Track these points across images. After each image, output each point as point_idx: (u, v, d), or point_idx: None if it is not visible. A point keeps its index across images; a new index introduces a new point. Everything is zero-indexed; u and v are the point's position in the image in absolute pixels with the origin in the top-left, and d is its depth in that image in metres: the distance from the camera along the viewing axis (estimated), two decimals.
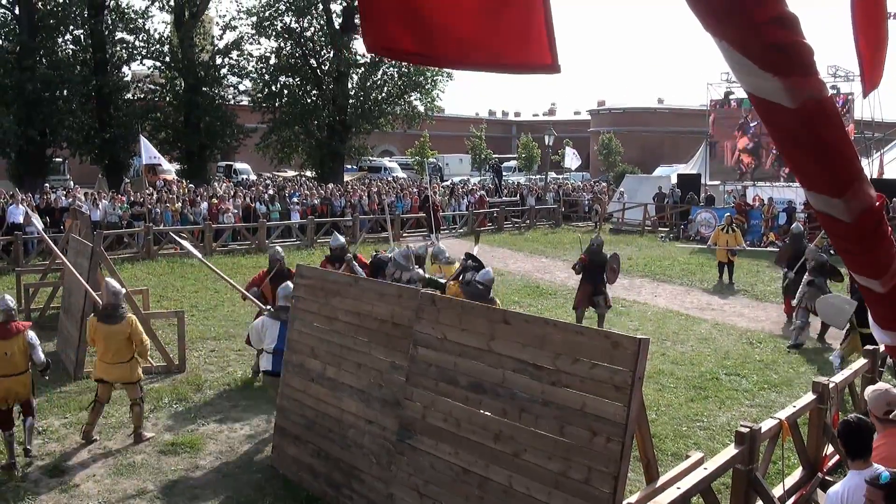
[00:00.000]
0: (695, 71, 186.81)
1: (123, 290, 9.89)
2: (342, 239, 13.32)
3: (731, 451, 6.04)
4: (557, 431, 5.62)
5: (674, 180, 35.77)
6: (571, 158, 42.99)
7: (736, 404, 10.70)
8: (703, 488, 5.71)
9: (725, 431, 9.44)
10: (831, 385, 7.32)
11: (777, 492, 6.64)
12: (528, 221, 34.35)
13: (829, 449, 7.64)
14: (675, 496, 5.33)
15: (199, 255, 12.92)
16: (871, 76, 3.99)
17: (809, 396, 7.31)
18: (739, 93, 30.22)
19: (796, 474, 7.42)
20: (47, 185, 29.29)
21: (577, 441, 5.49)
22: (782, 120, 2.93)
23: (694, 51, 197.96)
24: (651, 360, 11.31)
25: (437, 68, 39.28)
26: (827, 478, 7.16)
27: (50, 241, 15.01)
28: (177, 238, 17.29)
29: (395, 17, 2.94)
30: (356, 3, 42.41)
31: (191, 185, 31.59)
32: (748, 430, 6.01)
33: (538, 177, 48.63)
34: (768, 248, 25.83)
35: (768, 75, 2.79)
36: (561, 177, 48.87)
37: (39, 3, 36.69)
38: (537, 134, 59.63)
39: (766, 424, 6.56)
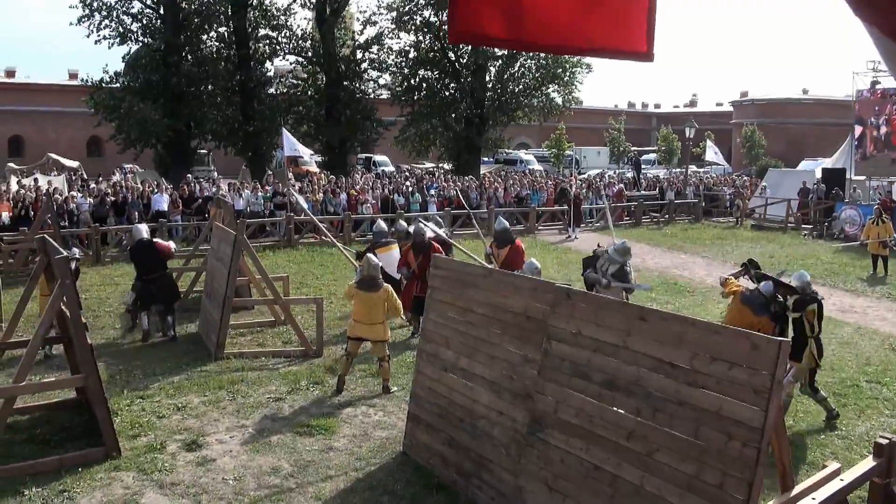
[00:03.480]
0: (840, 60, 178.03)
1: (380, 264, 11.22)
2: (506, 223, 14.85)
3: (868, 462, 5.81)
4: (692, 433, 5.53)
5: (818, 175, 34.30)
6: (714, 154, 41.76)
7: (876, 413, 10.23)
8: (838, 500, 5.52)
9: (864, 442, 9.05)
10: None
11: None
12: (667, 216, 33.66)
13: None
14: None
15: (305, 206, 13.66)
16: None
17: None
18: (886, 82, 28.71)
19: None
20: (189, 175, 30.65)
21: (711, 444, 5.39)
22: None
23: (839, 39, 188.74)
24: None
25: (574, 58, 38.97)
26: None
27: (317, 222, 15.91)
28: (297, 196, 17.72)
29: (484, 2, 2.94)
30: None
31: (331, 177, 32.44)
32: (888, 441, 5.76)
33: (678, 170, 47.51)
34: None
35: None
36: (702, 170, 47.52)
37: (184, 3, 38.48)
38: (678, 126, 58.24)
39: None
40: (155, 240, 14.28)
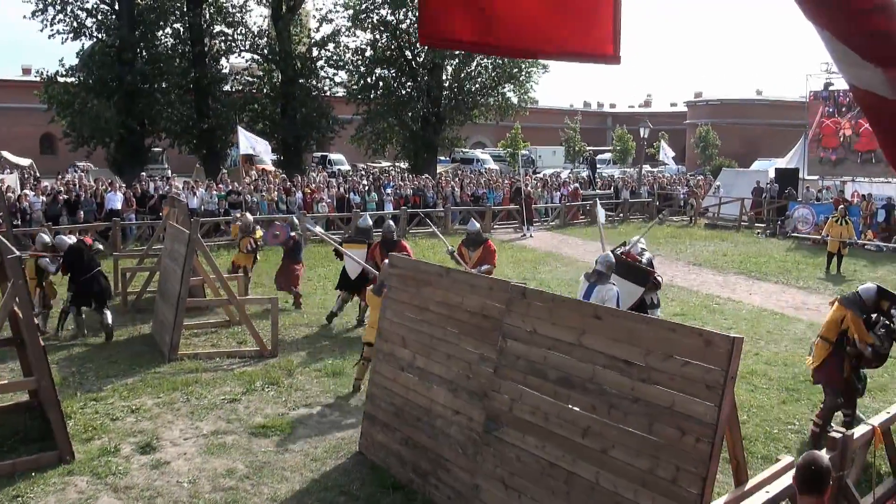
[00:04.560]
0: (794, 61, 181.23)
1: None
2: (477, 224, 14.44)
3: (822, 456, 5.88)
4: (646, 429, 5.57)
5: (772, 174, 34.84)
6: (666, 153, 42.30)
7: None
8: (792, 493, 5.58)
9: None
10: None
11: (867, 500, 6.44)
12: (621, 215, 33.95)
13: None
14: (764, 500, 5.21)
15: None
16: None
17: None
18: (839, 83, 29.23)
19: (887, 483, 7.16)
20: (142, 173, 30.23)
21: (665, 440, 5.43)
22: (884, 111, 2.85)
23: (793, 41, 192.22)
24: (744, 359, 11.04)
25: (527, 59, 39.15)
26: None
27: (328, 237, 16.31)
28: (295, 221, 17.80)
29: (454, 5, 2.94)
30: None
31: (282, 175, 32.25)
32: (840, 435, 5.84)
33: (633, 169, 47.97)
34: (866, 247, 25.10)
35: (870, 65, 2.71)
36: (656, 170, 48.07)
37: None
38: (633, 126, 58.83)
39: (859, 430, 6.35)
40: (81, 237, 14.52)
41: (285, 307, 15.02)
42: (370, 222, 14.64)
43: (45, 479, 7.83)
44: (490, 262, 13.22)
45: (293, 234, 15.96)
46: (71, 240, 13.88)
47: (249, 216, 17.64)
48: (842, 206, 23.00)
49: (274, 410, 9.90)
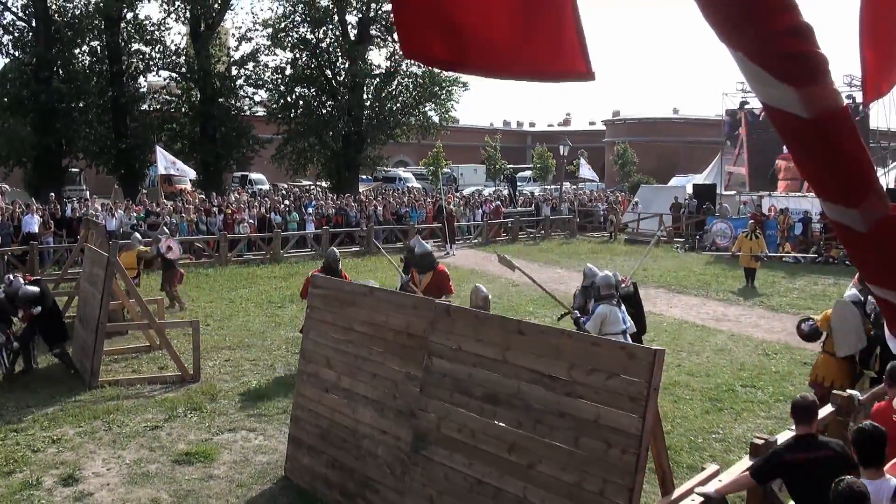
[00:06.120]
0: (710, 80, 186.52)
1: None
2: (425, 245, 13.31)
3: (745, 463, 5.99)
4: (572, 443, 5.60)
5: (689, 190, 35.69)
6: (587, 171, 42.99)
7: (752, 416, 10.63)
8: (717, 501, 5.67)
9: (741, 444, 9.37)
10: (857, 398, 7.15)
11: None
12: (542, 232, 34.31)
13: None
14: None
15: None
16: (873, 84, 3.95)
17: (828, 408, 7.15)
18: (754, 102, 30.16)
19: None
20: (53, 194, 29.26)
21: (591, 453, 5.47)
22: (797, 130, 2.92)
23: (709, 60, 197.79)
24: (666, 371, 11.21)
25: (455, 76, 39.37)
26: None
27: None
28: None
29: (427, 25, 2.94)
30: (386, 12, 42.06)
31: (201, 196, 31.75)
32: (763, 441, 5.96)
33: (553, 187, 48.59)
34: (784, 259, 25.81)
35: (783, 85, 2.78)
36: (576, 187, 48.81)
37: (56, 16, 37.11)
38: (552, 144, 59.65)
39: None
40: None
41: (205, 330, 14.73)
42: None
43: None
44: (447, 291, 12.21)
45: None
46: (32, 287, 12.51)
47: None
48: (751, 221, 23.51)
49: (197, 436, 9.68)
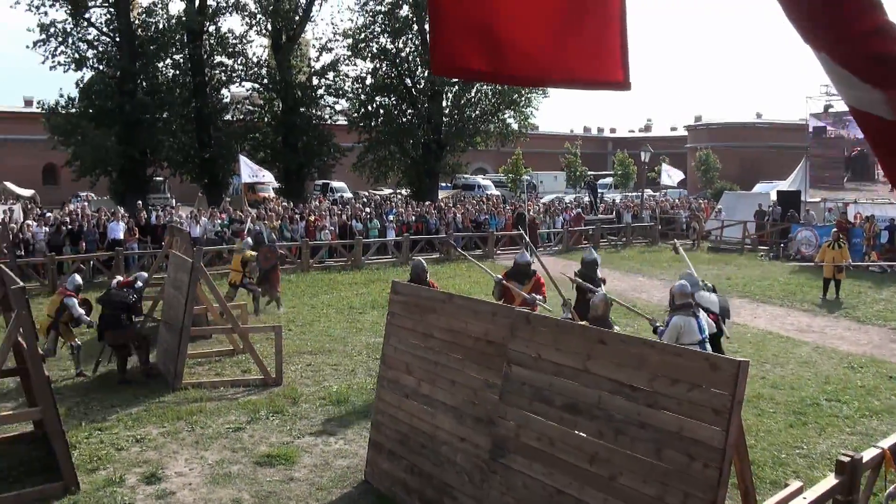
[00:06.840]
0: (794, 84, 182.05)
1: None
2: (528, 256, 13.20)
3: (831, 480, 5.84)
4: (654, 455, 5.52)
5: (773, 197, 34.88)
6: (668, 175, 42.26)
7: (837, 431, 10.34)
8: None
9: (825, 460, 9.13)
10: None
11: None
12: (624, 239, 33.95)
13: None
14: None
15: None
16: None
17: None
18: (839, 105, 29.34)
19: None
20: (139, 202, 30.15)
21: (673, 465, 5.38)
22: (883, 132, 2.85)
23: (793, 64, 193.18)
24: (750, 383, 10.99)
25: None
26: None
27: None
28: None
29: (466, 36, 2.95)
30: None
31: (285, 203, 32.31)
32: (849, 459, 5.80)
33: (634, 194, 48.04)
34: (870, 268, 24.99)
35: (869, 87, 2.71)
36: (658, 193, 48.13)
37: (140, 31, 38.20)
38: (633, 150, 58.96)
39: (868, 454, 6.30)
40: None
41: (287, 335, 14.98)
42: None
43: None
44: (541, 294, 12.51)
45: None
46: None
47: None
48: (834, 230, 22.64)
49: (279, 439, 9.85)
